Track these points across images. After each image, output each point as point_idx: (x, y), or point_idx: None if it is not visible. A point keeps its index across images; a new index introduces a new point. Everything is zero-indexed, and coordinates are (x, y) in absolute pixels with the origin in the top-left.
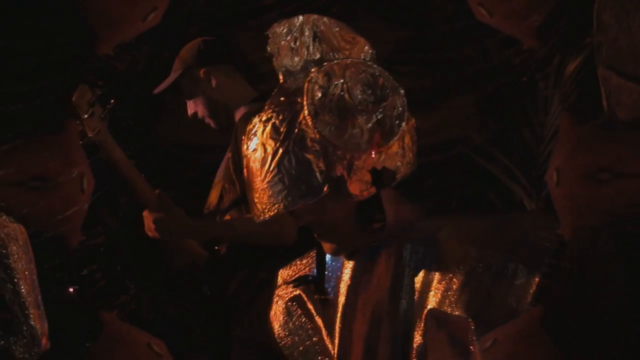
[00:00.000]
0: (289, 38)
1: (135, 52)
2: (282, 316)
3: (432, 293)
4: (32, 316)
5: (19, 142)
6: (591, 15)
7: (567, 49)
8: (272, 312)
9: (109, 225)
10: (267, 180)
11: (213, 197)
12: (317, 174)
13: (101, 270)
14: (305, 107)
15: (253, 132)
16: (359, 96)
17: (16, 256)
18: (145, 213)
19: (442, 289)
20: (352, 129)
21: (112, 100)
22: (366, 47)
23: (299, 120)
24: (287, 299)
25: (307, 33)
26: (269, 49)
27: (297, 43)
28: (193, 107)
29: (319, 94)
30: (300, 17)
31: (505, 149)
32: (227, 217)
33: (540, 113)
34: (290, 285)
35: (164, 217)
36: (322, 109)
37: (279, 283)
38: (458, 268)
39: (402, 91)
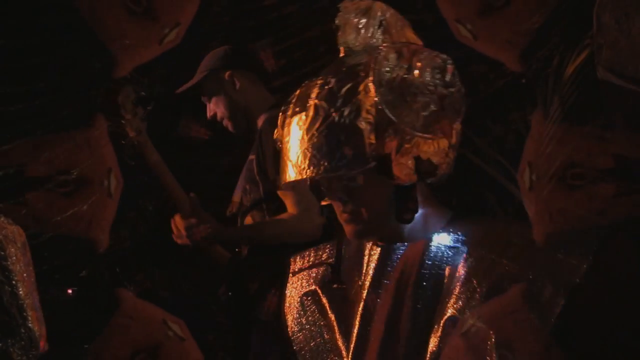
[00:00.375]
0: (357, 17)
1: (151, 75)
2: (295, 310)
3: (453, 300)
4: (30, 318)
5: (48, 136)
6: (591, 17)
7: (567, 50)
8: (287, 304)
9: (137, 230)
10: (312, 141)
11: (236, 198)
12: (367, 145)
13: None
14: (372, 76)
15: (305, 93)
16: (428, 77)
17: (14, 258)
18: (177, 219)
19: (465, 297)
20: (409, 110)
21: (152, 102)
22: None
23: (358, 90)
24: (302, 292)
25: (375, 18)
26: (336, 21)
27: (364, 24)
28: (213, 108)
29: (387, 68)
30: (372, 2)
31: (504, 151)
32: (249, 217)
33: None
34: (305, 275)
35: (195, 224)
36: (386, 83)
37: (291, 271)
38: (483, 278)
39: (463, 91)
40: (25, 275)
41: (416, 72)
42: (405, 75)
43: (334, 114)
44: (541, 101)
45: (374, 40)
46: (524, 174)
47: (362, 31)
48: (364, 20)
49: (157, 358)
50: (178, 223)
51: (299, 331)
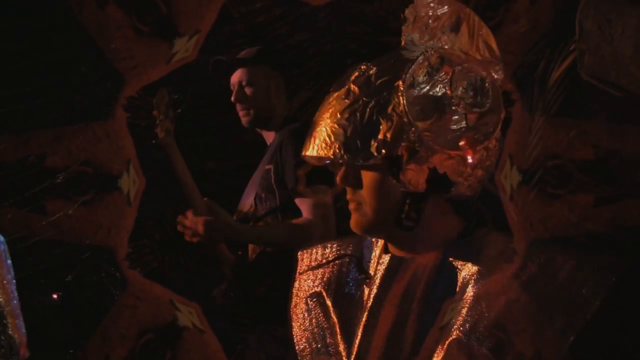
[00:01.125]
0: (430, 13)
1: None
2: (300, 311)
3: (460, 322)
4: (10, 325)
5: (67, 127)
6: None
7: (552, 54)
8: (293, 304)
9: (155, 238)
10: (333, 122)
11: (246, 205)
12: (380, 141)
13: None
14: (407, 76)
15: (348, 74)
16: (458, 92)
17: None
18: (191, 217)
19: (472, 320)
20: (433, 120)
21: (183, 105)
22: (496, 68)
23: (393, 85)
24: (308, 293)
25: (452, 20)
26: (406, 12)
27: (435, 24)
28: (245, 94)
29: (425, 71)
30: (455, 2)
31: None
32: (262, 224)
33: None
34: (311, 275)
35: (213, 220)
36: (419, 86)
37: (299, 270)
38: (494, 302)
39: (501, 115)
40: (5, 282)
41: (451, 84)
42: (439, 85)
43: (361, 102)
44: (526, 101)
45: (441, 42)
46: (504, 168)
47: (432, 29)
48: (437, 20)
49: (167, 342)
50: (192, 221)
51: (302, 332)
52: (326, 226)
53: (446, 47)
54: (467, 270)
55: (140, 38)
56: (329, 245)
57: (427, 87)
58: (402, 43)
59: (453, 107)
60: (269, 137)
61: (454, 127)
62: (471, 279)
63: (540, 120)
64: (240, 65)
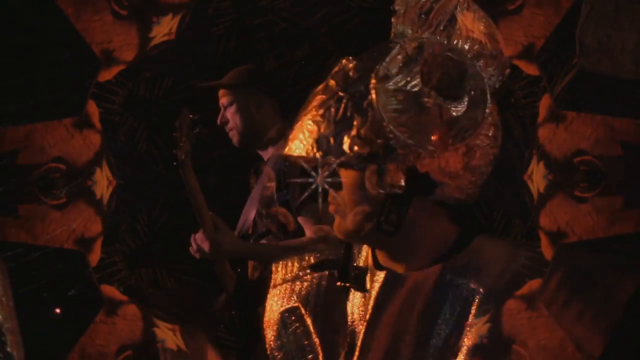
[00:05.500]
0: (422, 4)
1: (135, 79)
2: (275, 327)
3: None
4: (9, 342)
5: (39, 124)
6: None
7: (555, 68)
8: (266, 319)
9: (128, 244)
10: (309, 119)
11: (247, 221)
12: (354, 137)
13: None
14: (378, 69)
15: (330, 69)
16: (433, 82)
17: None
18: (199, 236)
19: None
20: (415, 116)
21: (199, 125)
22: (494, 59)
23: (369, 79)
24: (282, 308)
25: (444, 11)
26: (396, 3)
27: (428, 16)
28: (228, 117)
29: (400, 63)
30: None
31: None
32: (264, 241)
33: (527, 133)
34: (287, 288)
35: (219, 238)
36: (394, 78)
37: (272, 284)
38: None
39: (487, 110)
40: (3, 299)
41: (423, 75)
42: (415, 77)
43: (336, 97)
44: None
45: (436, 35)
46: (529, 166)
47: (424, 21)
48: (429, 12)
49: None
50: (200, 239)
51: (279, 349)
52: (328, 245)
53: (438, 38)
54: (464, 287)
55: (118, 21)
56: (307, 257)
57: (403, 80)
58: (392, 34)
59: (425, 100)
60: (266, 154)
61: (428, 122)
62: (474, 301)
63: (567, 116)
64: (218, 89)
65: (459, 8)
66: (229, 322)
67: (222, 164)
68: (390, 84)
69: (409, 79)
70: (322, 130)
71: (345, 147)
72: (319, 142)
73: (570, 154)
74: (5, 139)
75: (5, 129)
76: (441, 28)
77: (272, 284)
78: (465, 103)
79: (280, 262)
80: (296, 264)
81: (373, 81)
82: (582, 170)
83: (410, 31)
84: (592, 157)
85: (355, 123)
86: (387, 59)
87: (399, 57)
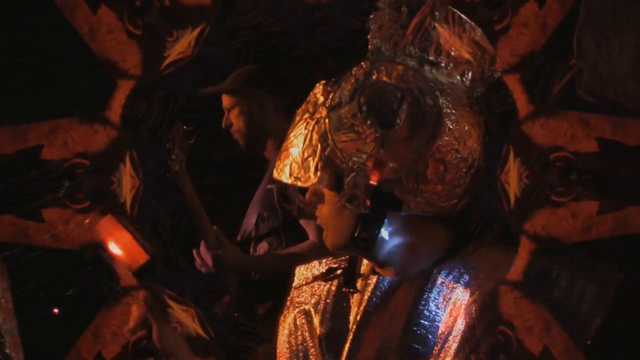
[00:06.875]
0: (395, 20)
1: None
2: (287, 327)
3: (453, 352)
4: (7, 344)
5: (64, 119)
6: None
7: (552, 70)
8: (282, 317)
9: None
10: (286, 143)
11: (249, 224)
12: (318, 163)
13: None
14: (333, 94)
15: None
16: (362, 107)
17: None
18: (202, 250)
19: (464, 353)
20: (355, 137)
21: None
22: (470, 68)
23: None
24: (297, 310)
25: (422, 24)
26: (371, 18)
27: (405, 31)
28: (231, 119)
29: (351, 88)
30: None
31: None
32: (264, 243)
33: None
34: (305, 291)
35: (222, 254)
36: (345, 104)
37: (294, 285)
38: (487, 333)
39: (445, 128)
40: (2, 301)
41: (358, 101)
42: (354, 102)
43: (306, 123)
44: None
45: (413, 48)
46: (506, 164)
47: (400, 37)
48: (406, 25)
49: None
50: (202, 254)
51: (287, 349)
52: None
53: (414, 53)
54: (456, 294)
55: (132, 41)
56: (324, 261)
57: (355, 107)
58: (369, 50)
59: (361, 126)
60: (270, 154)
61: (372, 144)
62: (462, 306)
63: (544, 113)
64: (219, 93)
65: (437, 20)
66: (247, 309)
67: (230, 165)
68: (344, 110)
69: (353, 105)
70: (294, 155)
71: (311, 172)
72: (291, 167)
73: (547, 150)
74: (30, 134)
75: (29, 124)
76: (417, 42)
77: (292, 285)
78: (407, 129)
79: (302, 266)
80: (316, 267)
81: (327, 108)
82: (558, 166)
83: (385, 47)
84: (568, 153)
85: (318, 149)
86: (341, 85)
87: (350, 83)
